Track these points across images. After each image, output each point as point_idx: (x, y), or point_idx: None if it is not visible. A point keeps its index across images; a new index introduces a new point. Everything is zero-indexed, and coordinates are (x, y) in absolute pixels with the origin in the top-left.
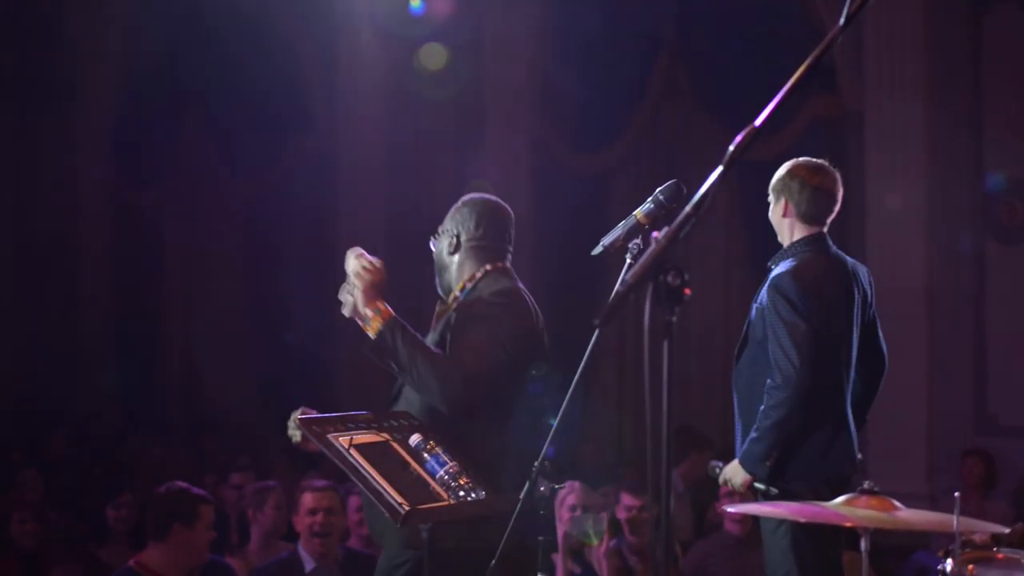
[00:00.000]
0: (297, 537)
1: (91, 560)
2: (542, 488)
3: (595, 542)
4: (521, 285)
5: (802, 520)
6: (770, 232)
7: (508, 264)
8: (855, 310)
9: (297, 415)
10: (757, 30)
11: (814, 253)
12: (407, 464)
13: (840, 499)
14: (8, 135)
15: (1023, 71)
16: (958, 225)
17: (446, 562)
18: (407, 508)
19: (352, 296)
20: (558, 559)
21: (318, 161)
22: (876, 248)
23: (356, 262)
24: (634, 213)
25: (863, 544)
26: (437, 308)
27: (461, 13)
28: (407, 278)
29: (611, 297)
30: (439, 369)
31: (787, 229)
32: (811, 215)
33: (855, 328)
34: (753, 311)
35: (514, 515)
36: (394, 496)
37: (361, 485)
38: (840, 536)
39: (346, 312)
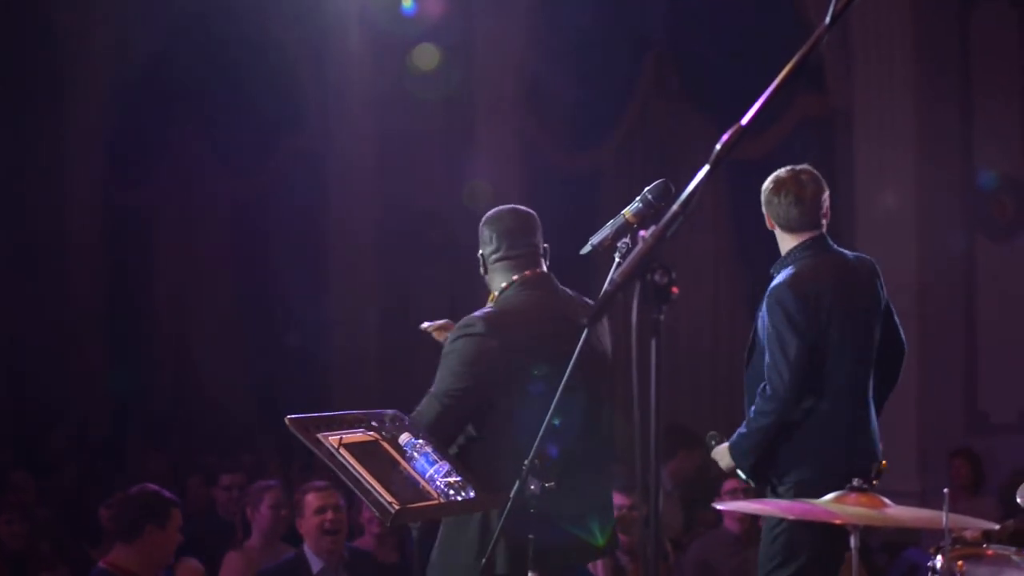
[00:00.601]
0: (300, 540)
1: (84, 561)
2: (532, 486)
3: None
4: (547, 291)
5: (791, 517)
6: (758, 231)
7: (540, 268)
8: (863, 308)
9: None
10: (746, 29)
11: (812, 258)
12: (396, 463)
13: (829, 496)
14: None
15: (1011, 68)
16: (948, 223)
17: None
18: (397, 507)
19: None
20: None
21: (309, 161)
22: (866, 247)
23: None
24: (623, 212)
25: (853, 541)
26: None
27: (451, 13)
28: (397, 276)
29: (599, 296)
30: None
31: (783, 243)
32: (791, 224)
33: (867, 327)
34: (758, 319)
35: (503, 514)
36: (384, 495)
37: (351, 484)
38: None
39: None
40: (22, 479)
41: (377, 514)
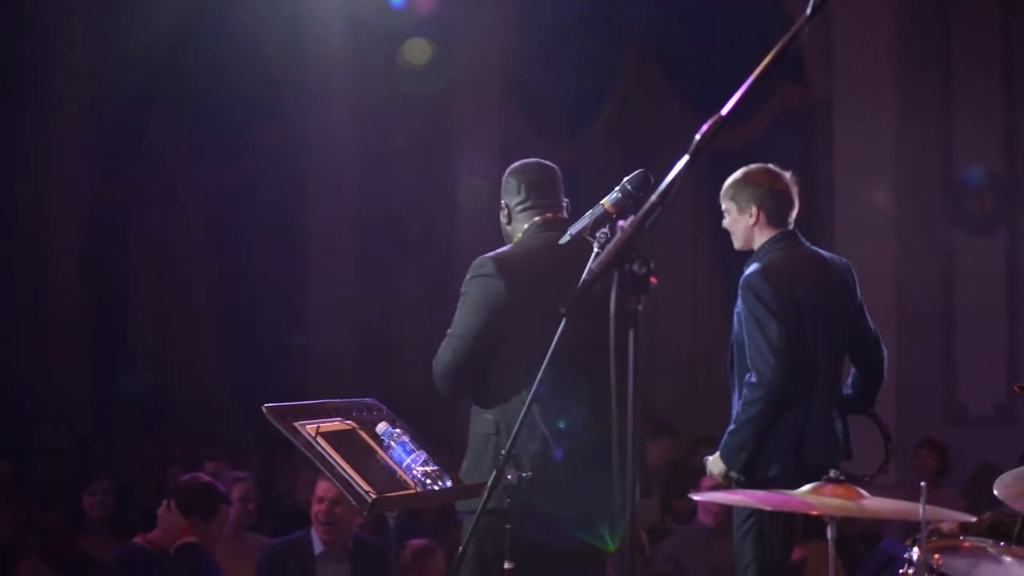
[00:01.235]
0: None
1: (70, 550)
2: (509, 476)
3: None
4: (555, 235)
5: (768, 508)
6: None
7: (560, 213)
8: (834, 304)
9: None
10: (727, 21)
11: (785, 250)
12: (374, 452)
13: (806, 487)
14: None
15: (992, 62)
16: (928, 215)
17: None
18: (374, 496)
19: None
20: None
21: (288, 154)
22: (845, 237)
23: None
24: (601, 202)
25: (829, 532)
26: None
27: (433, 7)
28: (375, 269)
29: (577, 286)
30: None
31: (754, 235)
32: (780, 217)
33: (834, 320)
34: (735, 321)
35: (480, 505)
36: (361, 484)
37: (328, 473)
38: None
39: None
40: (3, 468)
41: (354, 503)
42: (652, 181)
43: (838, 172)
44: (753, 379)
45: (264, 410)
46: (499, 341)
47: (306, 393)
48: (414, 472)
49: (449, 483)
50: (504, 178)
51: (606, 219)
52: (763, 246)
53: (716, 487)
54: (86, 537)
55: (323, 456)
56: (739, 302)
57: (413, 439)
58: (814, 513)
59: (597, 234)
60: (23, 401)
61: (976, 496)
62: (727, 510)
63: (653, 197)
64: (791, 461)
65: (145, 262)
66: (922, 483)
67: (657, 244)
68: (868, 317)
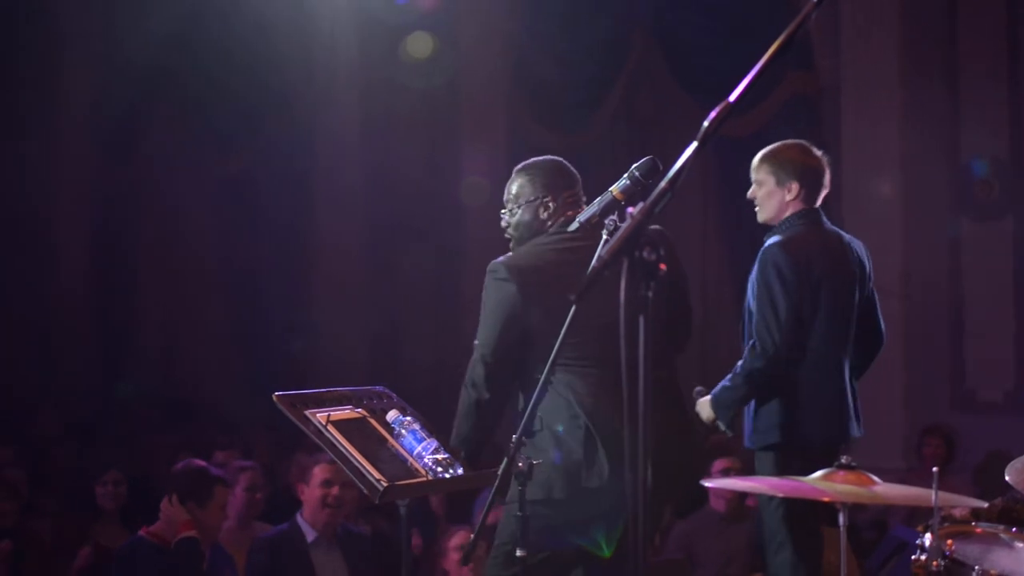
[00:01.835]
0: (296, 507)
1: (81, 539)
2: (520, 463)
3: None
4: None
5: (780, 495)
6: (746, 208)
7: (574, 211)
8: (851, 283)
9: None
10: (732, 9)
11: (807, 226)
12: (384, 440)
13: (817, 474)
14: None
15: (999, 48)
16: (935, 201)
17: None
18: (385, 484)
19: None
20: None
21: (293, 149)
22: (852, 224)
23: None
24: (610, 189)
25: (841, 519)
26: None
27: None
28: (383, 257)
29: (587, 273)
30: (462, 407)
31: (785, 211)
32: (814, 196)
33: (852, 300)
34: (749, 291)
35: (492, 492)
36: (372, 472)
37: (339, 461)
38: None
39: None
40: (10, 457)
41: (365, 491)
42: (660, 168)
43: (845, 158)
44: (758, 348)
45: (275, 398)
46: (527, 342)
47: (315, 377)
48: (425, 460)
49: (460, 471)
50: (536, 171)
51: (615, 206)
52: (786, 220)
53: (726, 470)
54: (97, 527)
55: (334, 444)
56: (755, 270)
57: (423, 427)
58: (826, 500)
59: (606, 221)
60: (30, 393)
61: (986, 483)
62: (738, 496)
63: (662, 183)
64: (798, 434)
65: (151, 257)
66: (934, 469)
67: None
68: (879, 310)
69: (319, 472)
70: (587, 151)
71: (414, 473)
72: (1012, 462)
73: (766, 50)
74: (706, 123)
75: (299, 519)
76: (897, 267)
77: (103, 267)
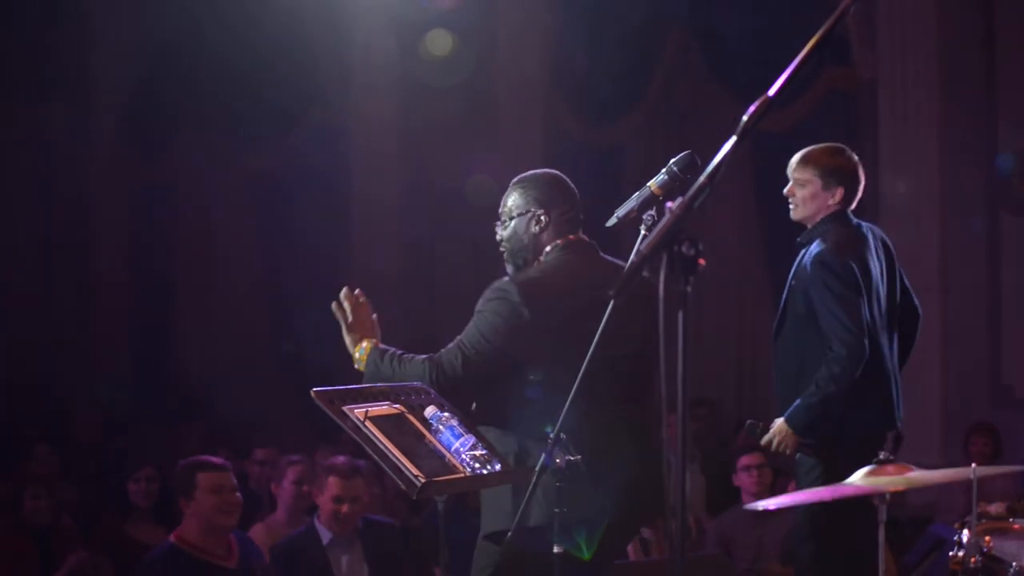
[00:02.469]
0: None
1: (116, 535)
2: (558, 460)
3: None
4: (588, 255)
5: (827, 500)
6: (783, 204)
7: (580, 235)
8: (883, 272)
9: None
10: (770, 3)
11: (845, 227)
12: (422, 436)
13: (857, 474)
14: (20, 116)
15: None
16: (972, 196)
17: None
18: (423, 480)
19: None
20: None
21: (331, 136)
22: (889, 218)
23: (335, 306)
24: (648, 184)
25: (880, 514)
26: None
27: None
28: (419, 250)
29: (625, 268)
30: (416, 369)
31: (822, 213)
32: (852, 200)
33: (891, 293)
34: (791, 284)
35: (530, 488)
36: (410, 468)
37: (376, 457)
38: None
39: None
40: (45, 453)
41: (403, 487)
42: (698, 163)
43: (882, 153)
44: (840, 351)
45: (312, 394)
46: (519, 367)
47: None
48: (463, 456)
49: (499, 467)
50: (530, 184)
51: (653, 201)
52: (821, 221)
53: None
54: (131, 524)
55: (371, 440)
56: (803, 274)
57: (461, 423)
58: (866, 491)
59: (644, 216)
60: (66, 384)
61: None
62: (769, 492)
63: (701, 178)
64: (847, 428)
65: (186, 257)
66: (972, 464)
67: (703, 226)
68: (907, 281)
69: (332, 485)
70: (624, 146)
71: (452, 469)
72: None
73: (804, 44)
74: (745, 117)
75: (316, 521)
76: (934, 262)
77: (138, 267)
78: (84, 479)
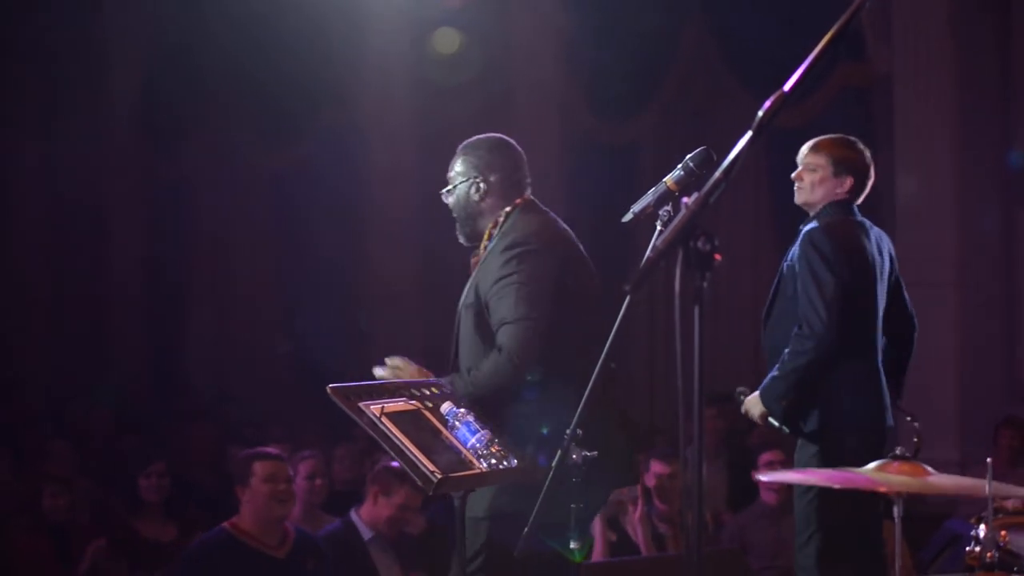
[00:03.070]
0: (345, 506)
1: (126, 532)
2: (574, 456)
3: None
4: (551, 214)
5: (836, 487)
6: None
7: (528, 196)
8: (881, 271)
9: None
10: None
11: (845, 215)
12: (439, 432)
13: (872, 465)
14: (38, 107)
15: None
16: (988, 192)
17: (509, 527)
18: (440, 476)
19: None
20: (596, 526)
21: (347, 135)
22: (905, 215)
23: (388, 373)
24: (664, 180)
25: (896, 510)
26: (472, 260)
27: None
28: (437, 246)
29: (641, 264)
30: (493, 375)
31: (823, 196)
32: (859, 193)
33: (882, 289)
34: (784, 268)
35: (546, 483)
36: (426, 464)
37: (393, 453)
38: (878, 502)
39: None
40: (62, 450)
41: (419, 483)
42: (714, 158)
43: (898, 149)
44: (805, 330)
45: (328, 390)
46: (559, 314)
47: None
48: (479, 452)
49: (515, 463)
50: (470, 150)
51: (669, 197)
52: (825, 207)
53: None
54: (140, 519)
55: (387, 436)
56: (793, 255)
57: (477, 419)
58: (881, 490)
59: (660, 211)
60: (80, 379)
61: None
62: (788, 489)
63: (717, 173)
64: (849, 424)
65: (205, 244)
66: (988, 459)
67: (719, 221)
68: (905, 291)
69: (401, 495)
70: (640, 143)
71: (468, 465)
72: None
73: (819, 40)
74: (760, 113)
75: (354, 516)
76: (951, 258)
77: (154, 261)
78: (96, 476)
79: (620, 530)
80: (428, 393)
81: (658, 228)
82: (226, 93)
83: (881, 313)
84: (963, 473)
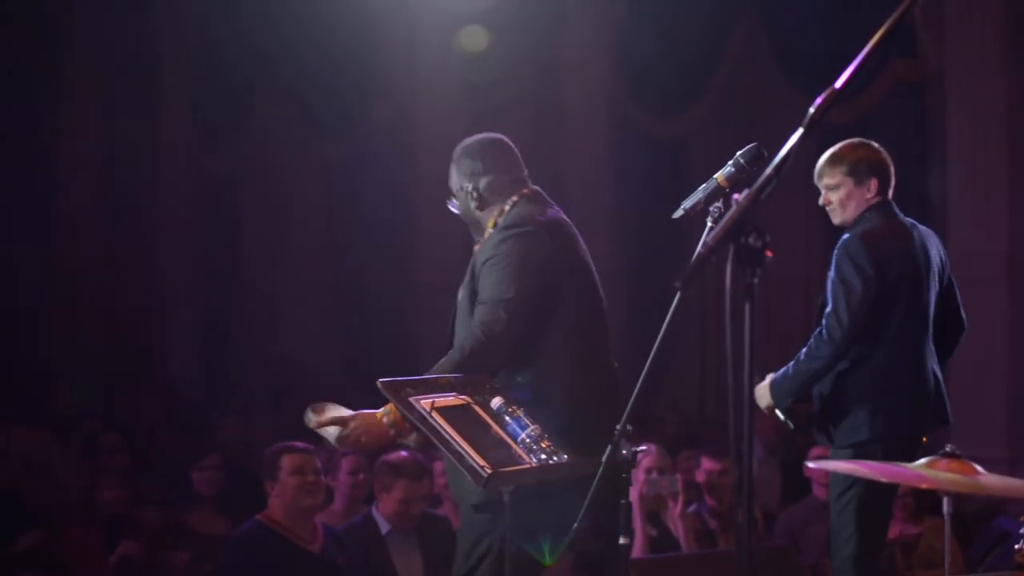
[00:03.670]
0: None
1: (177, 525)
2: (623, 451)
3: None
4: (553, 206)
5: (884, 480)
6: None
7: (532, 187)
8: (928, 271)
9: (311, 411)
10: None
11: (885, 219)
12: (488, 427)
13: (921, 461)
14: (92, 103)
15: None
16: None
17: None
18: (489, 471)
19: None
20: (636, 521)
21: (398, 128)
22: (957, 211)
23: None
24: (715, 176)
25: (945, 507)
26: (474, 247)
27: None
28: None
29: (692, 260)
30: (470, 354)
31: (861, 207)
32: (887, 190)
33: (929, 291)
34: (827, 281)
35: (596, 478)
36: (476, 459)
37: (443, 448)
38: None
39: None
40: (115, 443)
41: (469, 478)
42: (765, 155)
43: (950, 145)
44: (824, 335)
45: (379, 384)
46: (552, 301)
47: (415, 362)
48: (529, 447)
49: (565, 458)
50: (457, 159)
51: (719, 193)
52: (862, 216)
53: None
54: (193, 513)
55: (438, 431)
56: (832, 263)
57: (528, 414)
58: (925, 487)
59: (711, 208)
60: (131, 373)
61: None
62: None
63: (768, 170)
64: (881, 427)
65: (255, 237)
66: None
67: (771, 218)
68: (957, 293)
69: (399, 488)
70: (691, 138)
71: (518, 460)
72: None
73: (871, 36)
74: (812, 109)
75: (375, 512)
76: (1002, 255)
77: (206, 254)
78: (151, 469)
79: (661, 525)
80: (478, 388)
81: (709, 224)
82: (277, 86)
83: (923, 314)
84: (1012, 472)
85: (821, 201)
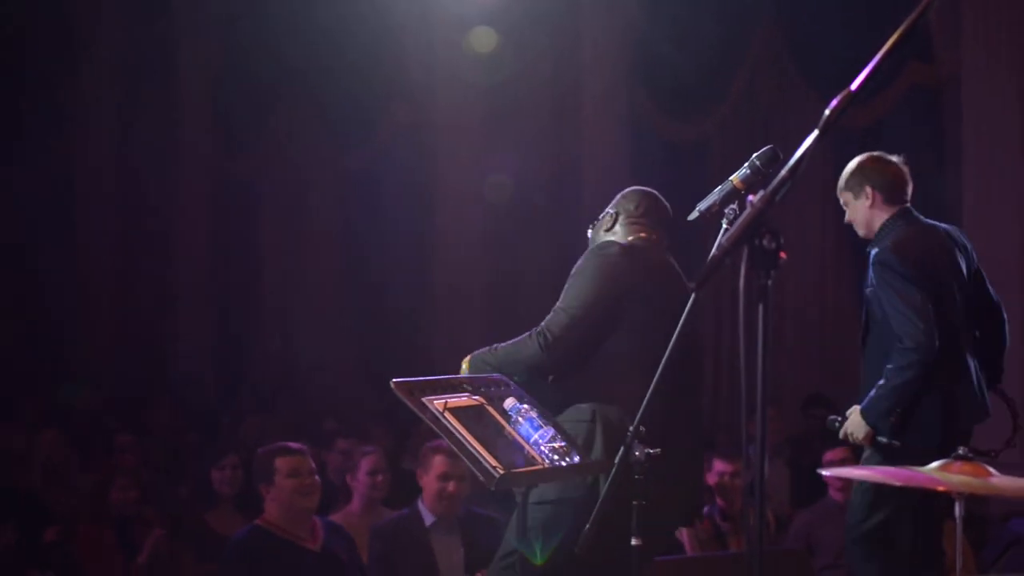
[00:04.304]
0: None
1: (197, 525)
2: (636, 453)
3: None
4: (653, 236)
5: (897, 484)
6: None
7: (658, 237)
8: (960, 270)
9: None
10: (855, 1)
11: (907, 226)
12: (502, 428)
13: (934, 464)
14: (111, 107)
15: None
16: None
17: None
18: (502, 471)
19: None
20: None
21: (416, 131)
22: (972, 215)
23: None
24: (730, 178)
25: (957, 510)
26: None
27: None
28: (503, 243)
29: (707, 262)
30: (519, 347)
31: (874, 217)
32: (895, 195)
33: (964, 287)
34: (867, 293)
35: (608, 480)
36: (488, 460)
37: (456, 448)
38: (938, 502)
39: None
40: (129, 443)
41: (481, 478)
42: (781, 157)
43: (966, 149)
44: (907, 343)
45: (392, 385)
46: (615, 324)
47: (430, 364)
48: (542, 448)
49: (577, 459)
50: (624, 194)
51: (735, 195)
52: (883, 226)
53: (844, 459)
54: (212, 512)
55: (450, 431)
56: (871, 280)
57: (541, 415)
58: (941, 489)
59: (726, 210)
60: (147, 374)
61: None
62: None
63: (783, 172)
64: (943, 429)
65: (273, 238)
66: None
67: (786, 220)
68: (987, 280)
69: (438, 464)
70: (708, 139)
71: (531, 461)
72: None
73: (887, 38)
74: (828, 111)
75: (420, 504)
76: (1018, 259)
77: (222, 260)
78: (165, 469)
79: None
80: (491, 389)
81: (724, 226)
82: (295, 90)
83: (965, 315)
84: None
85: (845, 220)
